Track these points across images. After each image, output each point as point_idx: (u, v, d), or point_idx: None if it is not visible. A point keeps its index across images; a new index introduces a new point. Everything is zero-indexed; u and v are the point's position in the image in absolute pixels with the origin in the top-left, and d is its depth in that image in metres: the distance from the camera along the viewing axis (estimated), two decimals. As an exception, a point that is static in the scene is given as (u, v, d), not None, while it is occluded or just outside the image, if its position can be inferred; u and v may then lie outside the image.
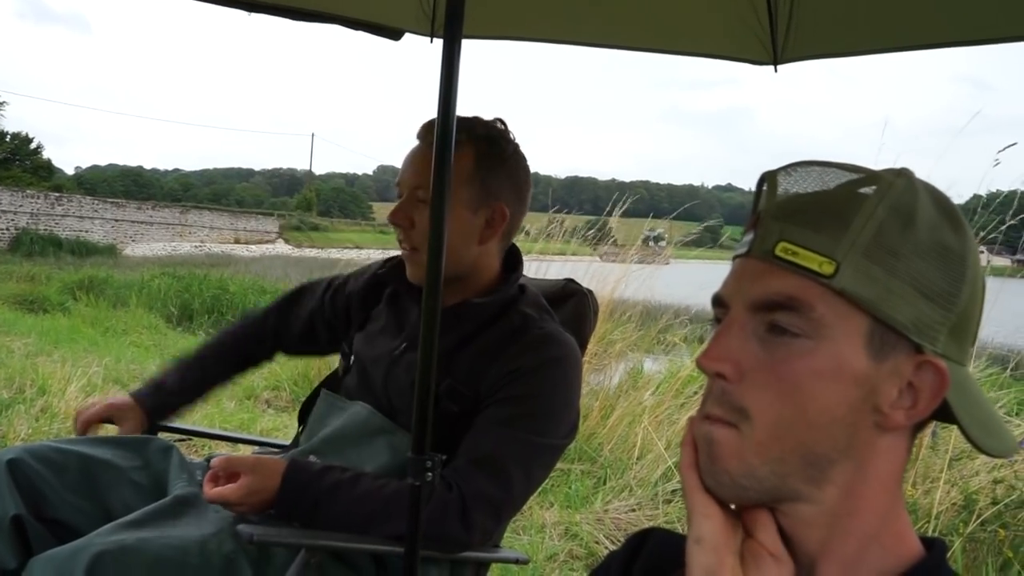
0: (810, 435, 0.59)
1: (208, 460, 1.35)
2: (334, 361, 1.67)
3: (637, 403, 4.54)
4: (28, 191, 26.56)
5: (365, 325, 1.57)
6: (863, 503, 0.61)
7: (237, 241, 33.58)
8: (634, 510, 3.52)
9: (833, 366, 0.59)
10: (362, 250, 32.54)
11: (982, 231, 3.99)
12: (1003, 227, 4.01)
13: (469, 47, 1.28)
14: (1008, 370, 4.67)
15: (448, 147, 1.20)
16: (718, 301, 0.66)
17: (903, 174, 0.62)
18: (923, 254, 0.59)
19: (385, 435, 1.39)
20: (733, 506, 0.63)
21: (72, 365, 5.08)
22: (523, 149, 1.45)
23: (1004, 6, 1.48)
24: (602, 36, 1.90)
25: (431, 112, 1.25)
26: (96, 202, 29.28)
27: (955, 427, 0.62)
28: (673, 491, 3.62)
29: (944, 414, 0.61)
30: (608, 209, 6.24)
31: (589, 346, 1.96)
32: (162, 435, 1.60)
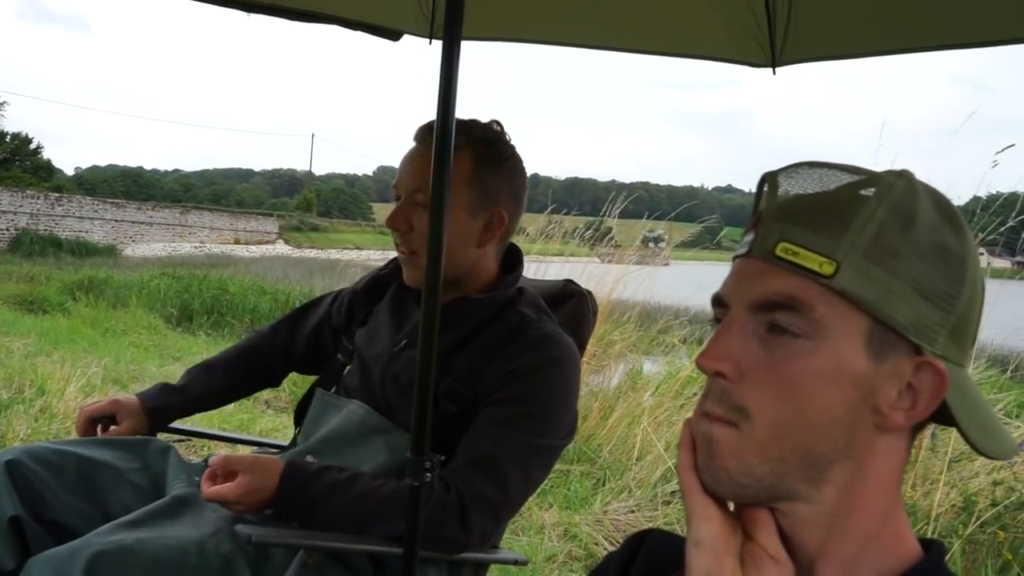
0: (809, 435, 0.59)
1: (206, 460, 1.35)
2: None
3: (636, 404, 4.55)
4: (28, 191, 26.54)
5: (367, 321, 1.57)
6: (862, 503, 0.61)
7: (237, 242, 33.56)
8: (633, 511, 3.52)
9: (833, 366, 0.59)
10: (362, 251, 32.56)
11: (981, 233, 3.99)
12: (1003, 229, 4.01)
13: (468, 48, 1.28)
14: (1008, 372, 4.67)
15: (447, 148, 1.20)
16: (718, 301, 0.66)
17: (904, 175, 0.62)
18: (923, 255, 0.59)
19: (382, 434, 1.39)
20: (732, 506, 0.63)
21: (71, 365, 5.08)
22: (523, 150, 1.45)
23: (1003, 8, 1.48)
24: (601, 38, 1.90)
25: (431, 113, 1.25)
26: (96, 202, 29.25)
27: (954, 429, 0.62)
28: (672, 492, 3.62)
29: (943, 416, 0.61)
30: (605, 210, 6.23)
31: (588, 347, 1.96)
32: (161, 435, 1.59)
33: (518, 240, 1.55)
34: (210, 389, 1.67)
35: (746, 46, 1.71)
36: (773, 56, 1.71)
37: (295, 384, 5.15)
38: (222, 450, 2.65)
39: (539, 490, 2.79)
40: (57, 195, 27.76)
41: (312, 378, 1.68)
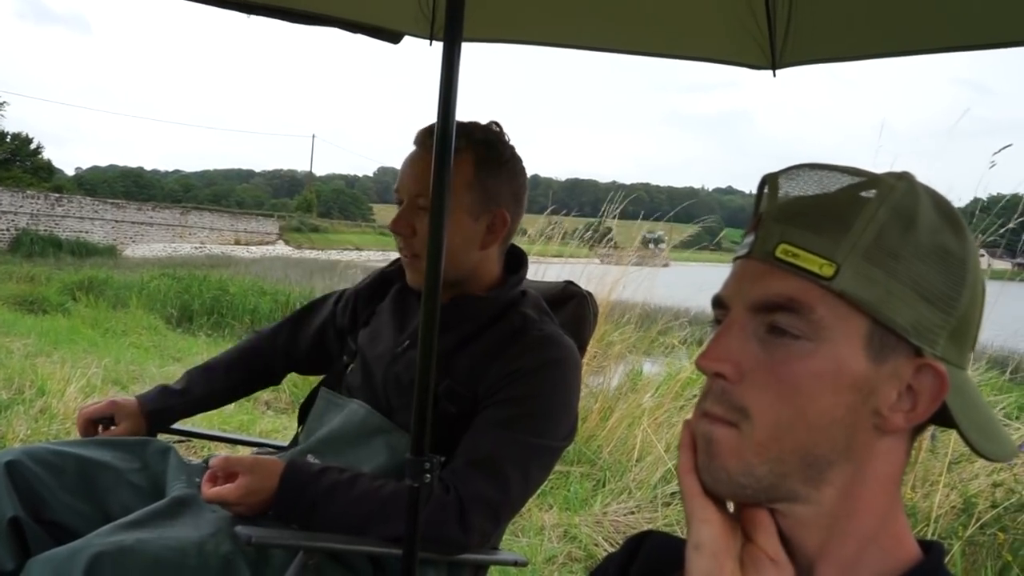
0: (809, 436, 0.59)
1: (206, 461, 1.35)
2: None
3: (636, 405, 4.55)
4: (28, 192, 26.51)
5: (370, 321, 1.57)
6: (861, 505, 0.61)
7: (237, 242, 33.54)
8: (633, 512, 3.53)
9: (833, 368, 0.59)
10: (362, 252, 32.55)
11: (982, 234, 3.99)
12: (1004, 230, 4.01)
13: (469, 50, 1.28)
14: (1008, 374, 4.67)
15: (448, 150, 1.20)
16: (718, 302, 0.66)
17: (904, 177, 0.62)
18: (923, 257, 0.59)
19: (383, 435, 1.39)
20: (731, 507, 0.63)
21: (71, 366, 5.08)
22: (523, 151, 1.46)
23: (1003, 11, 1.48)
24: (601, 39, 1.90)
25: (431, 114, 1.25)
26: (96, 203, 29.23)
27: (954, 431, 0.62)
28: (672, 494, 3.62)
29: (943, 418, 0.61)
30: (603, 211, 6.23)
31: (588, 348, 1.97)
32: (161, 436, 1.60)
33: (518, 241, 1.55)
34: (210, 391, 1.67)
35: (746, 48, 1.71)
36: (773, 58, 1.71)
37: (295, 385, 5.16)
38: (222, 451, 2.65)
39: (539, 491, 2.79)
40: (57, 195, 27.73)
41: (314, 378, 1.68)
